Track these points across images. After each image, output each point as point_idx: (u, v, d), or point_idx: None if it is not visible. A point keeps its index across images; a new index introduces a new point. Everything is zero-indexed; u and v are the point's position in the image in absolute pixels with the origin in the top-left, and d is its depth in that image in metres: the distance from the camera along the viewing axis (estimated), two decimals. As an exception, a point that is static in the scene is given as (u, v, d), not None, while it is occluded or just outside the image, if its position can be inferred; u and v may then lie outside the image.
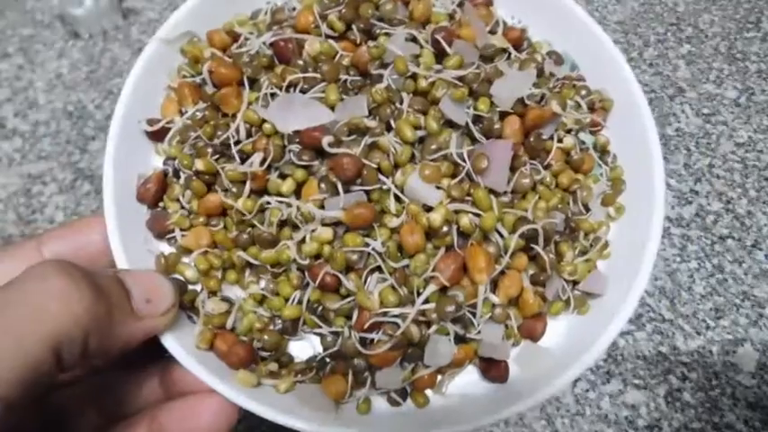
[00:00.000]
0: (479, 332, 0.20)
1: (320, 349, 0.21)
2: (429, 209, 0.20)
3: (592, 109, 0.24)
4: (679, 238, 0.45)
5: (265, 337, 0.20)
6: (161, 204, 0.22)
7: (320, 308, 0.20)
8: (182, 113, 0.22)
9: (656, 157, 0.22)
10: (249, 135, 0.21)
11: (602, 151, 0.24)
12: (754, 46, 0.60)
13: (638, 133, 0.22)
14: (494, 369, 0.21)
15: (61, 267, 0.16)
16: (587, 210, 0.23)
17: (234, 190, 0.21)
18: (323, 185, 0.20)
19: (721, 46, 0.60)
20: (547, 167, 0.22)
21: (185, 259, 0.21)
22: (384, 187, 0.20)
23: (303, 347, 0.22)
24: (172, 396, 0.21)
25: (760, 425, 0.36)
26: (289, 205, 0.20)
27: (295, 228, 0.20)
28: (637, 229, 0.22)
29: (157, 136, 0.22)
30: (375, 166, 0.20)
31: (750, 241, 0.45)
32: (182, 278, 0.21)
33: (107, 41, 0.59)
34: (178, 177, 0.22)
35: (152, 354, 0.19)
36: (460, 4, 0.23)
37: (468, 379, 0.22)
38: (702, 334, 0.40)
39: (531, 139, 0.21)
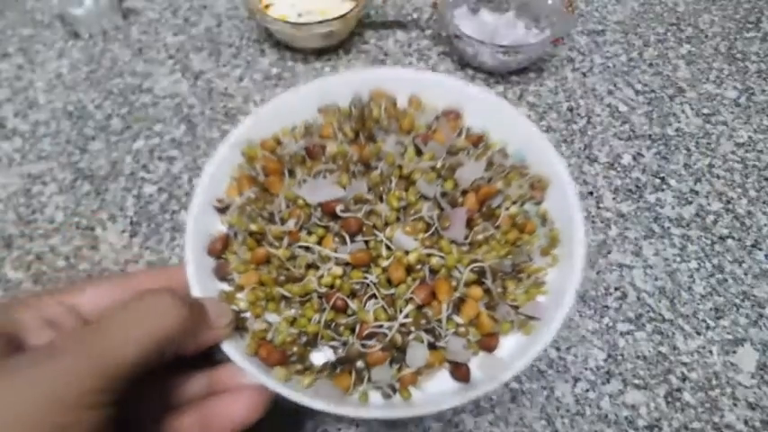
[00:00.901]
0: (446, 342, 0.31)
1: (333, 357, 0.32)
2: (408, 253, 0.31)
3: (533, 187, 0.35)
4: (679, 238, 0.46)
5: (294, 348, 0.31)
6: (224, 256, 0.34)
7: (333, 324, 0.31)
8: (240, 195, 0.34)
9: (579, 225, 0.33)
10: (288, 207, 0.33)
11: (543, 218, 0.35)
12: (754, 46, 0.60)
13: (566, 207, 0.33)
14: (459, 371, 0.31)
15: (169, 292, 0.27)
16: (530, 258, 0.34)
17: (276, 244, 0.32)
18: (336, 238, 0.32)
19: (721, 46, 0.60)
20: (498, 227, 0.33)
21: (239, 295, 0.33)
22: (378, 239, 0.32)
23: (321, 356, 0.32)
24: (214, 393, 0.29)
25: (760, 425, 0.36)
26: (313, 252, 0.31)
27: (317, 268, 0.32)
28: (566, 272, 0.32)
29: (223, 210, 0.34)
30: (372, 224, 0.32)
31: (750, 241, 0.46)
32: (236, 308, 0.32)
33: (107, 41, 0.59)
34: (236, 237, 0.34)
35: (197, 362, 0.30)
36: (437, 118, 0.36)
37: (442, 381, 0.32)
38: (702, 334, 0.41)
39: (484, 209, 0.33)
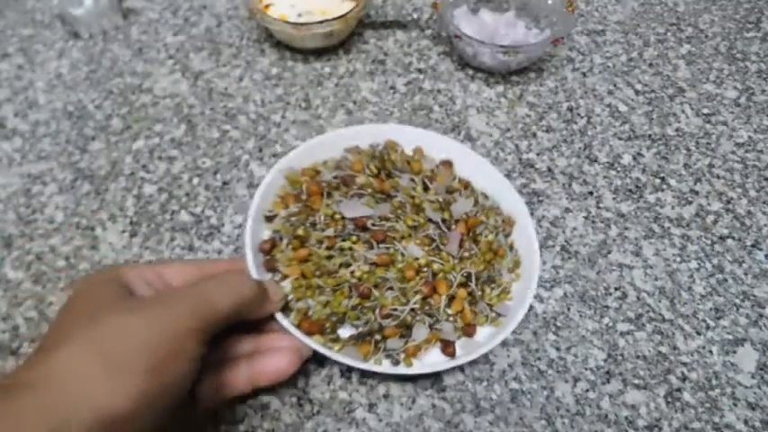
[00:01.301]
0: (441, 325, 0.46)
1: (355, 332, 0.51)
2: (417, 259, 0.49)
3: (504, 223, 0.50)
4: (679, 238, 0.46)
5: (326, 324, 0.46)
6: (272, 254, 0.49)
7: (360, 307, 0.47)
8: (285, 208, 0.49)
9: (536, 254, 0.46)
10: (325, 220, 0.50)
11: (510, 247, 0.50)
12: (754, 46, 0.61)
13: (528, 240, 0.48)
14: (447, 348, 0.46)
15: (244, 273, 0.43)
16: (500, 274, 0.50)
17: (317, 245, 0.48)
18: (365, 245, 0.47)
19: (721, 46, 0.61)
20: (479, 249, 0.49)
21: (283, 283, 0.47)
22: (396, 247, 0.47)
23: (346, 333, 0.49)
24: (260, 352, 0.41)
25: (760, 425, 0.36)
26: (345, 255, 0.46)
27: (348, 266, 0.47)
28: (524, 287, 0.47)
29: (270, 220, 0.49)
30: (392, 237, 0.47)
31: (750, 241, 0.46)
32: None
33: (107, 41, 0.60)
34: (281, 240, 0.49)
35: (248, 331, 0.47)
36: (437, 166, 0.52)
37: (434, 355, 0.47)
38: (702, 334, 0.41)
39: (471, 234, 0.49)
